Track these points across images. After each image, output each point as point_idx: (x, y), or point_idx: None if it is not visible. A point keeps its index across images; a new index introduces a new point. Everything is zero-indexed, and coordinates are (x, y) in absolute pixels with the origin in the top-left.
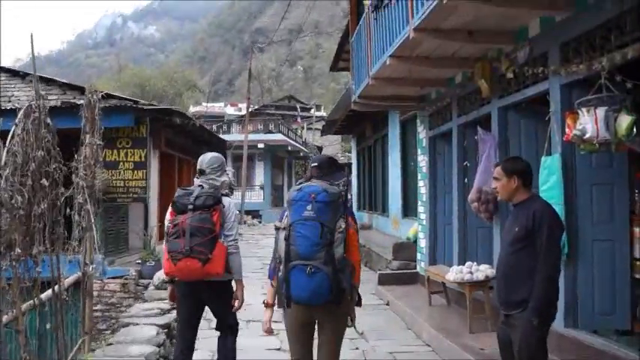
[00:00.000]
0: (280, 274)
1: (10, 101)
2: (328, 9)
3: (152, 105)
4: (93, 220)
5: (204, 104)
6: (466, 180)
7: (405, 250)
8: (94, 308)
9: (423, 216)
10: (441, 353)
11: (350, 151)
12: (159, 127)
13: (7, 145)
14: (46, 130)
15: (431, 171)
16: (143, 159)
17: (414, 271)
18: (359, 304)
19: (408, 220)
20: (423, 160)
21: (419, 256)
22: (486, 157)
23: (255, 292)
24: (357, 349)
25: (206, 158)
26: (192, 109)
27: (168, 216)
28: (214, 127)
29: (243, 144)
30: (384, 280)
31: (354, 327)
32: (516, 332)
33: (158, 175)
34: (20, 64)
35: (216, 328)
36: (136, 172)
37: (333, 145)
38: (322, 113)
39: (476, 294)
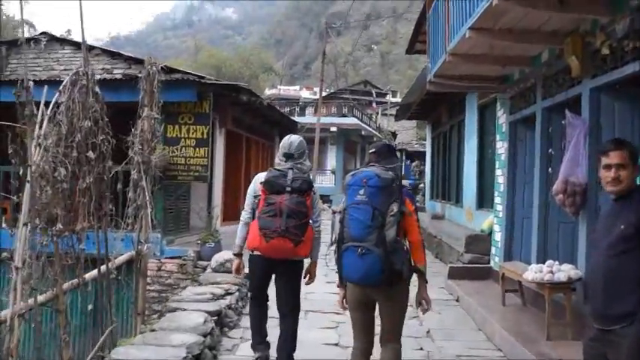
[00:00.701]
0: (336, 256)
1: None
2: None
3: (216, 80)
4: (148, 198)
5: (279, 87)
6: (550, 169)
7: (478, 242)
8: (150, 288)
9: (499, 207)
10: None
11: (425, 139)
12: (225, 104)
13: (48, 113)
14: (94, 100)
15: (510, 159)
16: (205, 136)
17: (488, 265)
18: (424, 277)
19: (482, 212)
20: (501, 147)
21: (493, 250)
22: (574, 144)
23: (318, 280)
24: (421, 349)
25: (295, 143)
26: (268, 92)
27: (256, 192)
28: (287, 109)
29: (316, 127)
30: (454, 274)
31: (432, 309)
32: (617, 351)
33: (224, 154)
34: (99, 45)
35: (280, 310)
36: (197, 149)
37: (407, 132)
38: (398, 99)
39: (556, 296)
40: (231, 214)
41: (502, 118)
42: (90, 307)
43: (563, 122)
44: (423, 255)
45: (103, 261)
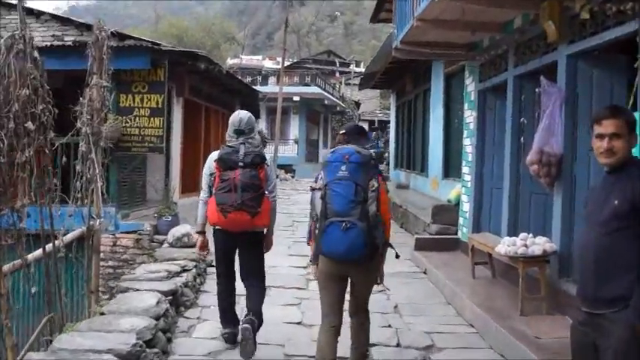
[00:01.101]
0: (317, 231)
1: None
2: None
3: (172, 47)
4: (99, 171)
5: (241, 57)
6: (522, 139)
7: (445, 213)
8: (105, 264)
9: (467, 177)
10: (488, 337)
11: (389, 108)
12: (182, 72)
13: None
14: (32, 66)
15: (479, 128)
16: (160, 105)
17: (455, 236)
18: (397, 256)
19: (448, 182)
20: (470, 116)
21: (461, 220)
22: (549, 113)
23: (281, 253)
24: (389, 326)
25: (244, 119)
26: (230, 62)
27: (211, 170)
28: (249, 78)
29: (278, 96)
30: (421, 245)
31: (383, 284)
32: (607, 338)
33: (182, 124)
34: (59, 13)
35: (244, 279)
36: (152, 119)
37: (370, 101)
38: (362, 69)
39: (530, 270)
40: (190, 185)
41: (470, 86)
42: (33, 289)
43: (537, 90)
44: (390, 229)
45: (48, 238)
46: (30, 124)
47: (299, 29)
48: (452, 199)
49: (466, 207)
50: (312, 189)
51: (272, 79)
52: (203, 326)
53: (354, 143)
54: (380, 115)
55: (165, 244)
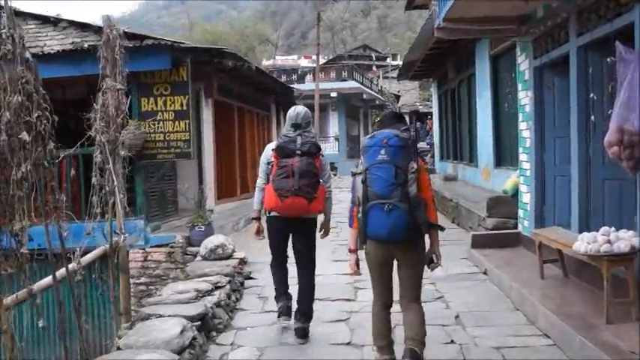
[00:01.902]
0: (360, 215)
1: (42, 52)
2: None
3: (193, 45)
4: (117, 182)
5: (276, 57)
6: (593, 118)
7: (502, 205)
8: (137, 282)
9: (526, 165)
10: (569, 351)
11: (429, 99)
12: (209, 72)
13: None
14: (24, 69)
15: (537, 110)
16: (185, 107)
17: (515, 231)
18: (441, 228)
19: (501, 171)
20: (525, 98)
21: (521, 213)
22: (628, 84)
23: (325, 258)
24: (452, 342)
25: (301, 113)
26: (265, 63)
27: (268, 159)
28: (284, 77)
29: (315, 93)
30: (478, 242)
31: (441, 265)
32: None
33: (213, 127)
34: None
35: (298, 264)
36: (177, 122)
37: (410, 93)
38: (398, 62)
39: (615, 270)
40: (226, 190)
41: (524, 64)
42: (40, 323)
43: (609, 60)
44: (435, 211)
45: (60, 260)
46: (25, 135)
47: (333, 26)
48: (508, 190)
49: (526, 198)
50: (353, 174)
51: (308, 77)
52: (237, 353)
53: (390, 128)
54: (420, 106)
55: (198, 257)
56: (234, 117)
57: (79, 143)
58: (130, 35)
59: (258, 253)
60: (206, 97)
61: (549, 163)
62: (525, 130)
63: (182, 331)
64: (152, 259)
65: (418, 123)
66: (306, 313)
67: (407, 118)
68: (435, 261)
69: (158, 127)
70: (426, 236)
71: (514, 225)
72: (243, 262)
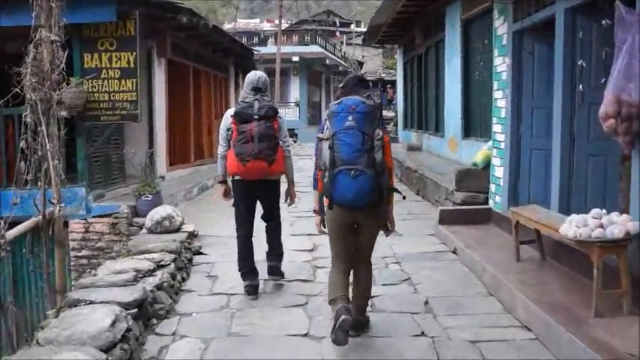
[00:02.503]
0: (325, 179)
1: None
2: None
3: None
4: (51, 146)
5: (239, 20)
6: (580, 87)
7: (471, 178)
8: (78, 255)
9: (499, 137)
10: (554, 348)
11: (392, 67)
12: (163, 29)
13: None
14: None
15: (514, 78)
16: (132, 65)
17: (486, 207)
18: (399, 192)
19: (470, 142)
20: (502, 64)
21: (493, 188)
22: (628, 49)
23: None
24: (422, 334)
25: (262, 78)
26: (227, 26)
27: (228, 126)
28: (245, 39)
29: (276, 57)
30: (446, 218)
31: (395, 231)
32: None
33: (165, 88)
34: None
35: (264, 219)
36: (123, 81)
37: (373, 61)
38: (363, 29)
39: (606, 258)
40: (180, 156)
41: (502, 28)
42: None
43: (603, 23)
44: (392, 177)
45: None
46: None
47: None
48: (478, 163)
49: (499, 172)
50: (320, 139)
51: (270, 41)
52: (179, 347)
53: (354, 94)
54: (383, 74)
55: (144, 230)
56: (190, 79)
57: (9, 101)
58: None
59: (210, 224)
60: (158, 56)
61: (526, 136)
62: (501, 100)
63: (114, 323)
64: (94, 230)
65: (377, 91)
66: (276, 254)
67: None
68: (390, 227)
69: (102, 86)
70: None
71: (484, 200)
72: (192, 235)
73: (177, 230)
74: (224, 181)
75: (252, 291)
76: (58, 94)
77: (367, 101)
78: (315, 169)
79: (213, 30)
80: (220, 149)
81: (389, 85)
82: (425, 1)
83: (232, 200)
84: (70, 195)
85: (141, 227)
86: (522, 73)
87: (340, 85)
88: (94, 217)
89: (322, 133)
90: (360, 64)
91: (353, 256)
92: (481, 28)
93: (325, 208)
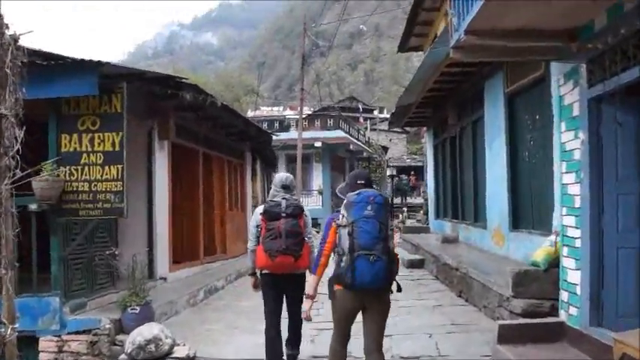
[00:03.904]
0: (343, 264)
1: None
2: (389, 10)
3: (131, 68)
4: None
5: (262, 108)
6: None
7: (532, 282)
8: None
9: (572, 232)
10: None
11: (416, 153)
12: (164, 108)
13: None
14: None
15: (593, 157)
16: (118, 148)
17: (557, 320)
18: (399, 289)
19: (520, 234)
20: (573, 140)
21: (565, 296)
22: None
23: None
24: None
25: (289, 177)
26: (250, 113)
27: (257, 222)
28: (265, 125)
29: (298, 142)
30: (507, 336)
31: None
32: None
33: (168, 175)
34: None
35: (289, 315)
36: (107, 168)
37: (397, 146)
38: (386, 115)
39: None
40: (187, 253)
41: (571, 95)
42: None
43: None
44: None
45: None
46: None
47: (320, 80)
48: (539, 263)
49: (573, 276)
50: (338, 225)
51: (292, 128)
52: None
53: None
54: (408, 160)
55: (123, 356)
56: (199, 164)
57: None
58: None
59: (213, 341)
60: (160, 139)
61: (610, 230)
62: (573, 185)
63: None
64: (69, 349)
65: (397, 178)
66: (295, 343)
67: (392, 172)
68: (395, 290)
69: (82, 174)
70: None
71: (549, 310)
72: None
73: (167, 356)
74: (254, 274)
75: None
76: (6, 185)
77: (382, 194)
78: (318, 254)
79: (223, 110)
80: (250, 244)
81: (412, 172)
82: (460, 76)
83: (259, 290)
84: (40, 306)
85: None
86: (603, 151)
87: (360, 181)
88: (69, 333)
89: (340, 219)
90: (385, 149)
91: (364, 348)
92: (531, 101)
93: (335, 292)
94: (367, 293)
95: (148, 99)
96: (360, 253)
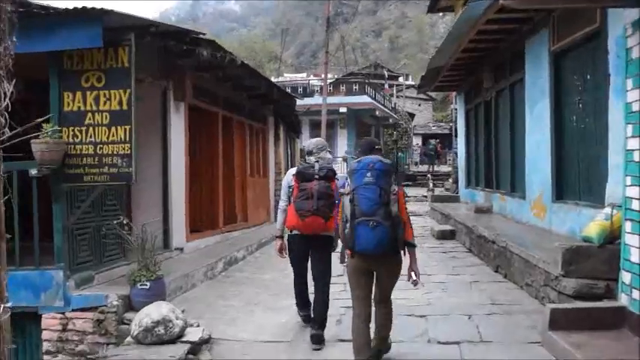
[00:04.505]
0: (347, 230)
1: None
2: None
3: (142, 18)
4: None
5: (285, 75)
6: None
7: (585, 259)
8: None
9: (636, 204)
10: None
11: (442, 120)
12: (181, 67)
13: None
14: None
15: None
16: (126, 107)
17: (616, 304)
18: (414, 245)
19: (565, 206)
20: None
21: (627, 277)
22: None
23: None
24: None
25: (313, 141)
26: (274, 80)
27: (290, 183)
28: (289, 90)
29: (322, 107)
30: (561, 322)
31: (419, 282)
32: None
33: (185, 139)
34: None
35: (314, 278)
36: (114, 129)
37: (422, 114)
38: (411, 82)
39: None
40: (206, 221)
41: (639, 48)
42: None
43: None
44: (412, 231)
45: None
46: None
47: (344, 45)
48: (593, 238)
49: (637, 255)
50: (341, 194)
51: (317, 95)
52: None
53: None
54: (434, 128)
55: (129, 339)
56: (218, 128)
57: None
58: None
59: (230, 319)
60: (176, 100)
61: None
62: (638, 151)
63: None
64: (74, 328)
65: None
66: (321, 322)
67: (419, 140)
68: (414, 277)
69: (87, 136)
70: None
71: (605, 290)
72: (202, 343)
73: (178, 339)
74: (281, 236)
75: (307, 319)
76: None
77: (384, 160)
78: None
79: (243, 69)
80: (282, 203)
81: (437, 140)
82: (499, 34)
83: (286, 257)
84: (42, 280)
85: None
86: None
87: (359, 149)
88: (74, 310)
89: (343, 188)
90: (412, 115)
91: (373, 297)
92: (582, 59)
93: (347, 257)
94: (372, 258)
95: (162, 56)
96: (361, 219)
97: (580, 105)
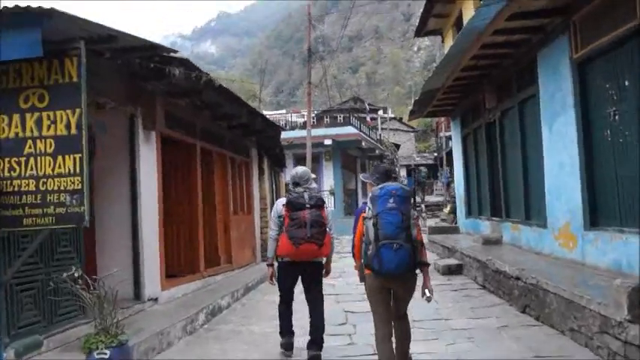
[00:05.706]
0: (370, 252)
1: None
2: (388, 13)
3: (88, 22)
4: None
5: (265, 112)
6: None
7: None
8: None
9: None
10: None
11: (424, 151)
12: (149, 91)
13: None
14: None
15: None
16: (75, 131)
17: None
18: (427, 264)
19: (603, 234)
20: None
21: None
22: None
23: None
24: None
25: (299, 171)
26: None
27: (279, 213)
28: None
29: (307, 140)
30: None
31: (432, 297)
32: None
33: (157, 173)
34: None
35: (308, 300)
36: (60, 159)
37: (405, 145)
38: (390, 115)
39: None
40: (185, 265)
41: None
42: None
43: None
44: (425, 251)
45: None
46: None
47: (322, 83)
48: None
49: None
50: (364, 218)
51: (298, 130)
52: None
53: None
54: (418, 158)
55: None
56: (197, 161)
57: None
58: None
59: None
60: (146, 129)
61: None
62: None
63: None
64: None
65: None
66: (318, 343)
67: (403, 171)
68: (428, 294)
69: (27, 168)
70: None
71: None
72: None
73: None
74: (271, 264)
75: (289, 347)
76: None
77: (404, 187)
78: (352, 246)
79: (221, 92)
80: (272, 233)
81: (423, 167)
82: (503, 48)
83: (274, 284)
84: None
85: None
86: None
87: (375, 176)
88: None
89: (365, 212)
90: (397, 146)
91: (393, 314)
92: (615, 64)
93: (366, 276)
94: (392, 277)
95: (127, 78)
96: (385, 242)
97: (616, 116)
